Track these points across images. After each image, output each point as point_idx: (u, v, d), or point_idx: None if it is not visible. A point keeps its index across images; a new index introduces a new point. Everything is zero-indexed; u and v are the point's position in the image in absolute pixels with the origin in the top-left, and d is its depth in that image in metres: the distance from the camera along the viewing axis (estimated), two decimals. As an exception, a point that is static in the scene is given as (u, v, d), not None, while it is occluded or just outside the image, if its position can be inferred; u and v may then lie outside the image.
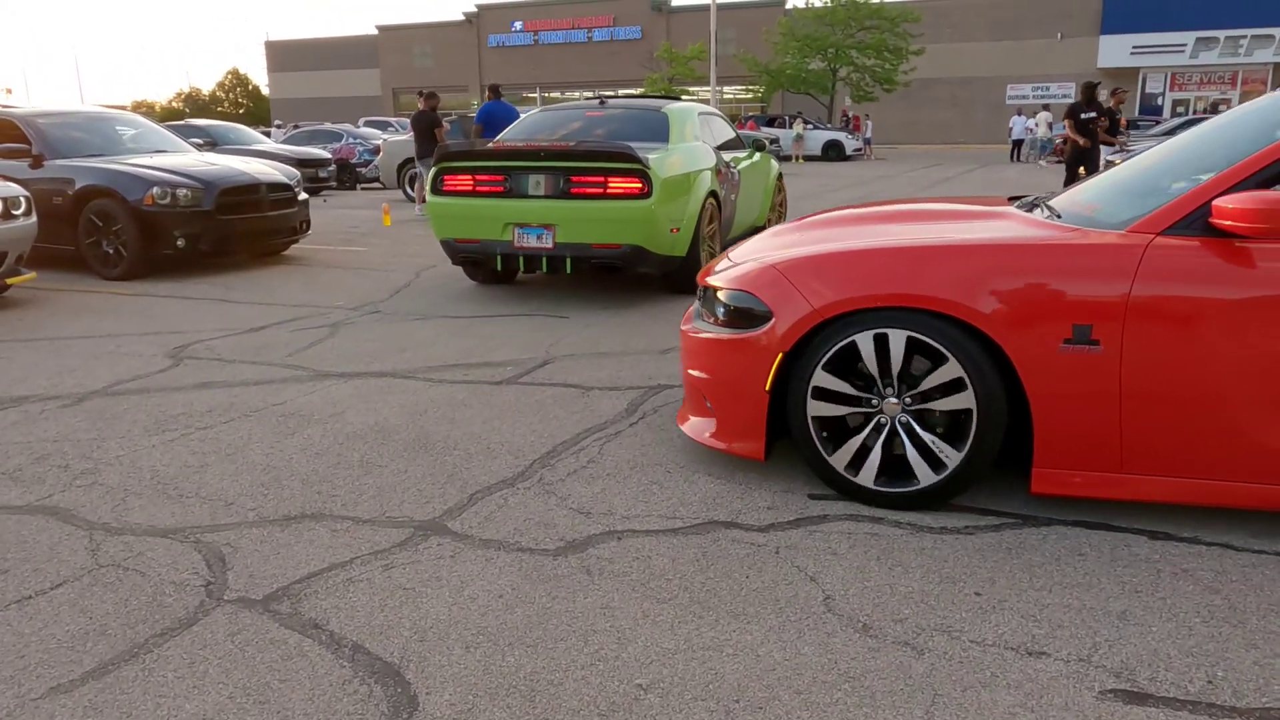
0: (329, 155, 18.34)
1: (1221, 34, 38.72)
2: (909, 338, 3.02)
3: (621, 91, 47.61)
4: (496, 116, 11.31)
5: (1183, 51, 39.55)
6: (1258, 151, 2.85)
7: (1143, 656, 2.28)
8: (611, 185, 6.20)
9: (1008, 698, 2.13)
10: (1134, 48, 40.28)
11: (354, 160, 20.13)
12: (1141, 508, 3.11)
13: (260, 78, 71.14)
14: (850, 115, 36.58)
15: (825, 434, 3.20)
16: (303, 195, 9.15)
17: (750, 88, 38.14)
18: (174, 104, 71.63)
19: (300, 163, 17.01)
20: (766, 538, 2.94)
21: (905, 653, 2.31)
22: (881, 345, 3.05)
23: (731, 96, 46.91)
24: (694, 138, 7.39)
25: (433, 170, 6.64)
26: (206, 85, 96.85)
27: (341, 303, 6.92)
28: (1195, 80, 40.40)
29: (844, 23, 35.63)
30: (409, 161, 15.21)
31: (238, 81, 71.53)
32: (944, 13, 42.99)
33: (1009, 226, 3.31)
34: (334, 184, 18.60)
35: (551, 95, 49.98)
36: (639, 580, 2.68)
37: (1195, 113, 35.64)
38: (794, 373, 3.19)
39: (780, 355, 3.18)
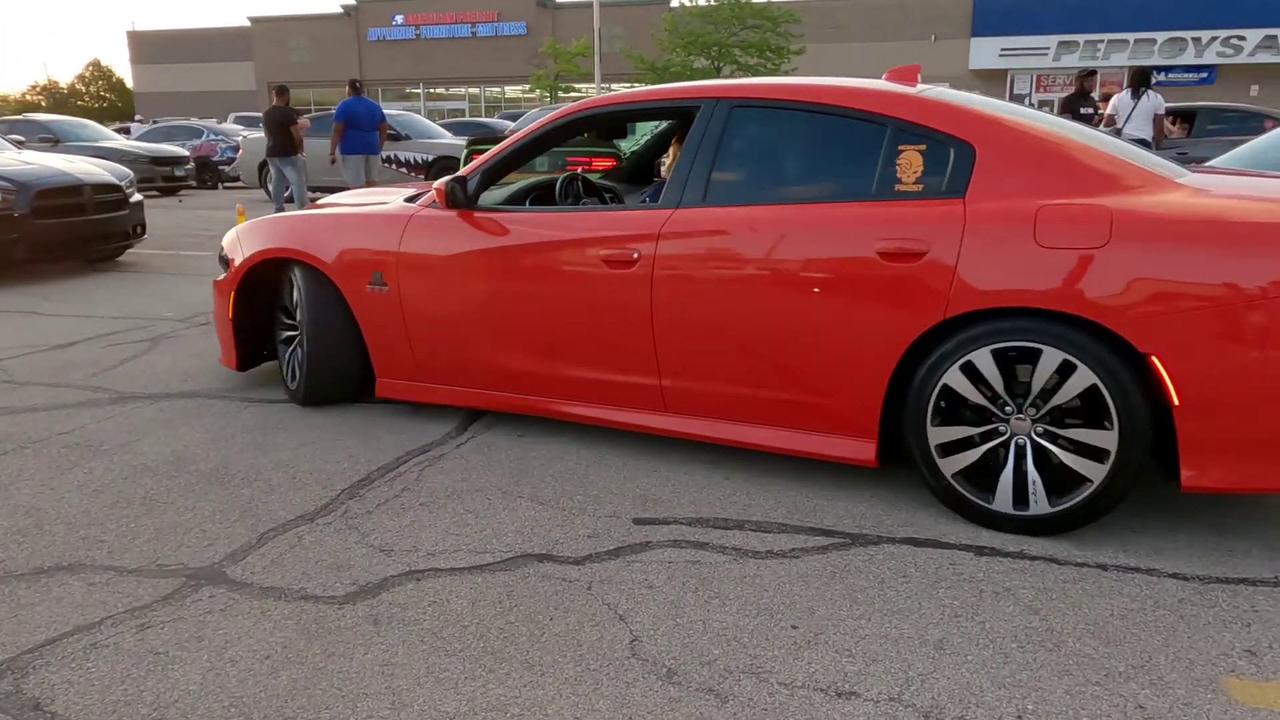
0: (187, 153, 17.33)
1: (1081, 38, 40.67)
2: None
3: (510, 89, 46.91)
4: (356, 114, 10.79)
5: (1046, 54, 41.38)
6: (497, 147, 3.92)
7: (954, 692, 2.15)
8: (595, 165, 7.25)
9: (809, 750, 1.96)
10: (1002, 50, 41.93)
11: (215, 158, 19.10)
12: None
13: (125, 70, 67.36)
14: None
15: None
16: (136, 196, 8.50)
17: (635, 86, 38.05)
18: (30, 97, 67.10)
19: (155, 161, 16.07)
20: (580, 571, 2.72)
21: (708, 702, 2.12)
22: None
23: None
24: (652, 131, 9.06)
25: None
26: (65, 77, 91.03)
27: (170, 314, 6.40)
28: (1059, 82, 42.35)
29: (728, 22, 35.94)
30: (271, 159, 14.46)
31: (99, 74, 67.49)
32: (826, 14, 43.87)
33: (380, 202, 4.27)
34: (192, 183, 17.60)
35: (436, 92, 48.90)
36: (431, 629, 2.42)
37: (1057, 113, 37.35)
38: None
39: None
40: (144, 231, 8.72)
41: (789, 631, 2.41)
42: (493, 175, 3.86)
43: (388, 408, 4.25)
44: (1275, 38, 38.15)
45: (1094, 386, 2.74)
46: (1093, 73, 10.47)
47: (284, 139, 11.14)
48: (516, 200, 4.21)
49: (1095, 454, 2.80)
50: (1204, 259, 2.63)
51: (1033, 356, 2.81)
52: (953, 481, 3.01)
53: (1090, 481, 2.81)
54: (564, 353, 3.61)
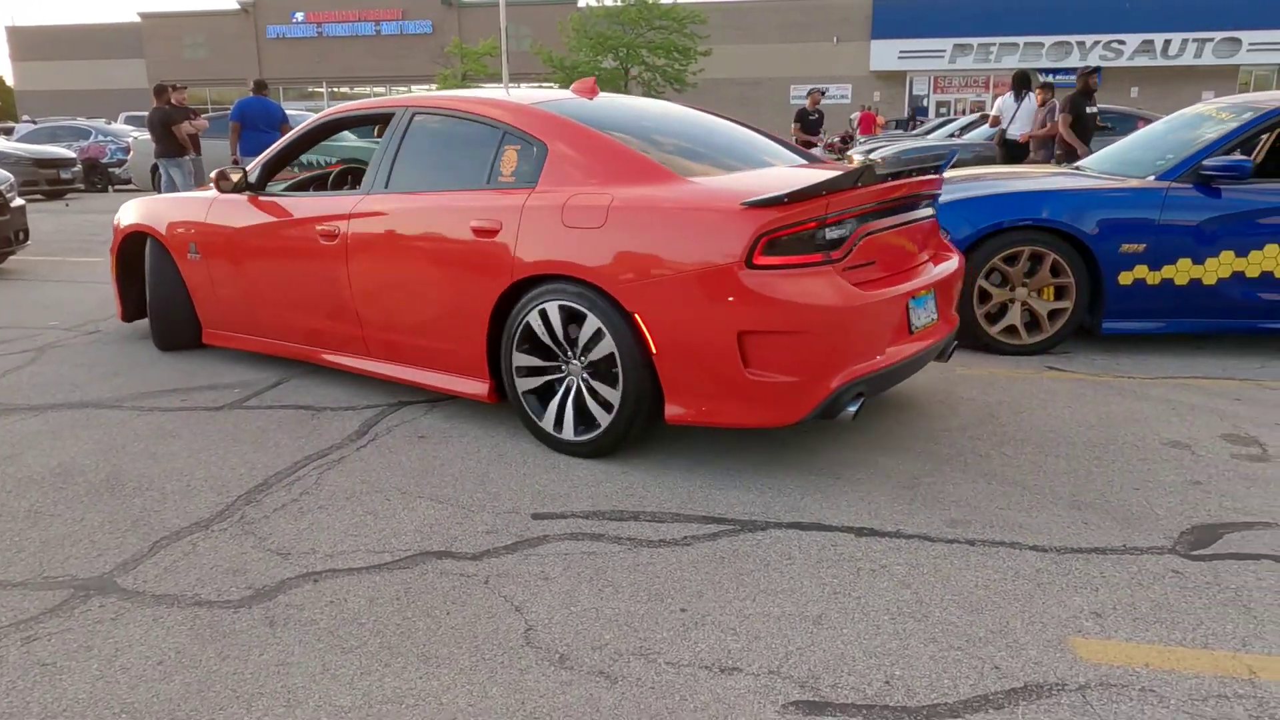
0: (73, 155, 16.61)
1: (975, 41, 42.23)
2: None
3: (417, 88, 46.16)
4: (252, 114, 10.52)
5: (943, 57, 42.83)
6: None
7: (829, 662, 2.30)
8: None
9: (692, 722, 2.07)
10: (901, 52, 43.23)
11: (104, 159, 18.35)
12: (851, 507, 3.20)
13: (4, 67, 63.85)
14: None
15: None
16: (18, 201, 8.15)
17: (545, 86, 37.98)
18: (-101, 95, 63.01)
19: (38, 163, 15.38)
20: (478, 566, 2.79)
21: (598, 683, 2.22)
22: None
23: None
24: None
25: None
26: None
27: (55, 322, 6.19)
28: (955, 84, 43.87)
29: (634, 22, 36.15)
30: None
31: (-23, 71, 63.85)
32: (732, 15, 44.48)
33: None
34: (80, 186, 16.88)
35: (340, 91, 47.83)
36: (328, 628, 2.46)
37: (956, 113, 38.68)
38: None
39: None
40: (27, 238, 8.38)
41: (678, 614, 2.52)
42: (272, 166, 4.82)
43: (288, 414, 4.22)
44: (1152, 42, 40.30)
45: (604, 336, 3.42)
46: (1096, 70, 10.16)
47: (169, 140, 10.78)
48: (303, 188, 5.17)
49: (607, 405, 3.53)
50: (666, 238, 3.30)
51: (580, 315, 3.48)
52: (524, 399, 3.74)
53: (599, 424, 3.54)
54: (308, 310, 4.48)
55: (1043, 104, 10.56)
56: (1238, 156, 5.04)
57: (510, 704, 2.14)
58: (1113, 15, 40.45)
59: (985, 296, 5.17)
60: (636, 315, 3.33)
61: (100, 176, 18.42)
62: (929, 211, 3.98)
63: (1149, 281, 5.02)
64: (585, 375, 3.57)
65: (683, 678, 2.24)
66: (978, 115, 15.88)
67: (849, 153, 17.04)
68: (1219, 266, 4.96)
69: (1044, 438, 3.87)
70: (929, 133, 18.04)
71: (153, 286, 5.22)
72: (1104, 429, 3.98)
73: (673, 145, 3.92)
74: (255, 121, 10.42)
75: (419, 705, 2.14)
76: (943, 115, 37.93)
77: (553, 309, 3.53)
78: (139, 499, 3.29)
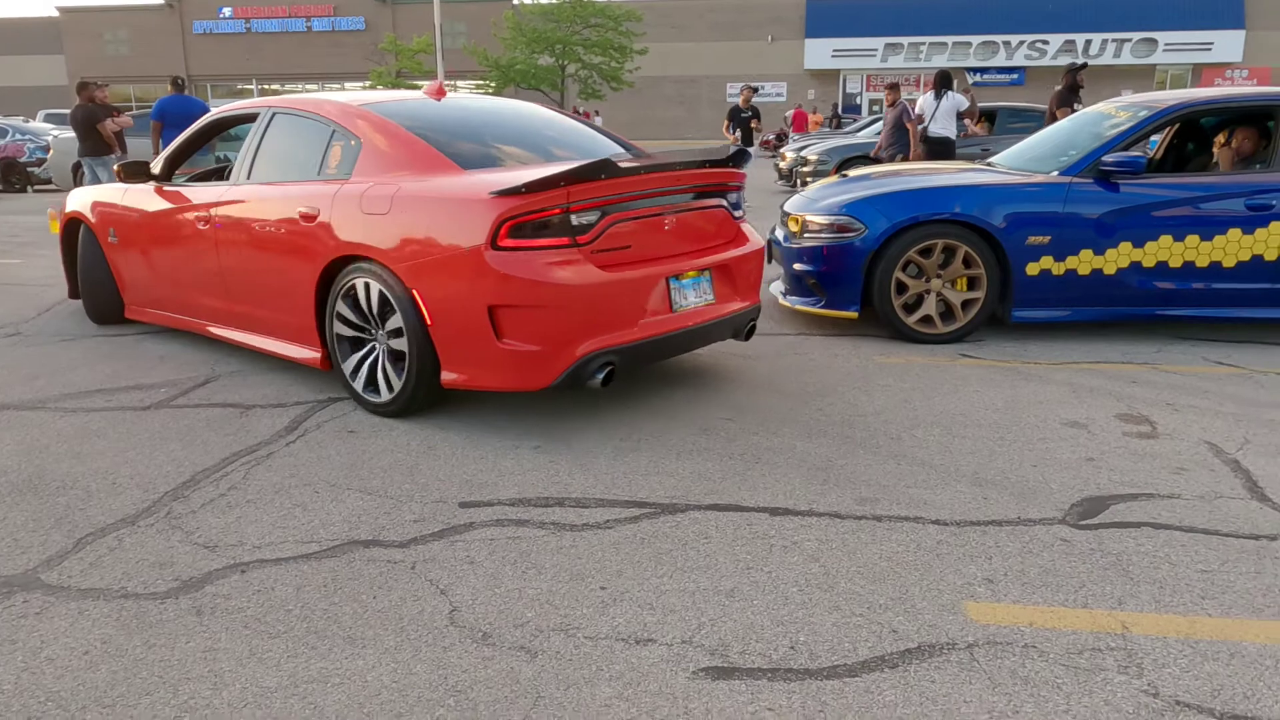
0: (-10, 154, 16.07)
1: (906, 40, 43.15)
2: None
3: (350, 85, 45.50)
4: (173, 112, 10.35)
5: (875, 55, 43.66)
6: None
7: (739, 632, 2.43)
8: None
9: (607, 690, 2.19)
10: (834, 51, 43.97)
11: (23, 159, 17.79)
12: (767, 489, 3.35)
13: (-87, 63, 61.16)
14: (580, 111, 37.21)
15: None
16: (-69, 202, 7.93)
17: (481, 83, 37.76)
18: None
19: (-49, 162, 14.83)
20: (405, 553, 2.87)
21: (519, 658, 2.32)
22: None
23: (465, 92, 46.22)
24: None
25: None
26: None
27: (-26, 325, 6.06)
28: (886, 82, 44.76)
29: (570, 20, 36.16)
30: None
31: (-117, 67, 61.03)
32: (666, 13, 44.73)
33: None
34: (-2, 186, 16.35)
35: (270, 89, 46.90)
36: (255, 615, 2.51)
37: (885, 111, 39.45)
38: None
39: None
40: (-59, 239, 8.14)
41: (598, 592, 2.63)
42: (174, 159, 5.41)
43: (216, 412, 4.23)
44: (1074, 42, 41.60)
45: (394, 310, 3.89)
46: (1082, 66, 10.31)
47: (93, 138, 10.54)
48: (207, 179, 5.66)
49: (400, 366, 3.99)
50: (434, 223, 3.74)
51: (378, 291, 3.96)
52: (342, 366, 4.21)
53: (393, 390, 4.03)
54: (194, 288, 5.03)
55: (892, 104, 10.93)
56: (1134, 153, 5.32)
57: (433, 679, 2.23)
58: (1037, 16, 41.65)
59: (902, 288, 5.38)
60: (415, 291, 3.79)
61: (19, 176, 17.85)
62: (715, 202, 4.33)
63: (1054, 272, 5.28)
64: (388, 345, 4.01)
65: (600, 650, 2.35)
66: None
67: (781, 150, 17.34)
68: (1118, 257, 5.24)
69: (953, 420, 4.07)
70: (860, 130, 18.44)
71: (83, 267, 5.88)
72: (1009, 411, 4.20)
73: (477, 142, 4.35)
74: (176, 119, 10.24)
75: (344, 684, 2.21)
76: (875, 113, 38.69)
77: (359, 285, 4.01)
78: (63, 497, 3.29)
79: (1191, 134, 6.51)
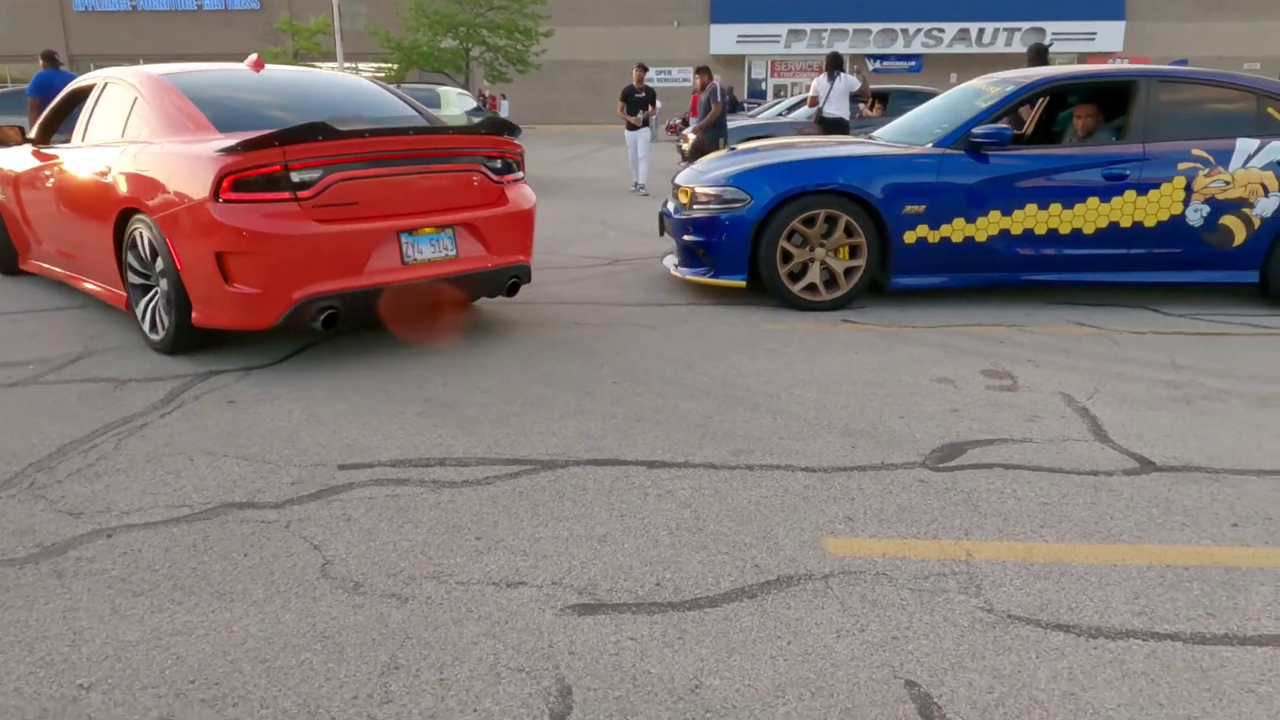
0: None
1: (809, 27, 43.86)
2: None
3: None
4: (55, 87, 9.88)
5: (778, 42, 44.27)
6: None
7: (609, 572, 2.51)
8: None
9: (475, 629, 2.24)
10: (739, 36, 44.40)
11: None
12: (647, 445, 3.44)
13: None
14: (486, 95, 36.77)
15: None
16: None
17: (383, 66, 36.91)
18: None
19: None
20: (280, 514, 2.86)
21: (390, 604, 2.35)
22: None
23: (367, 75, 45.12)
24: (454, 105, 13.83)
25: None
26: None
27: None
28: (791, 68, 45.44)
29: (474, 2, 35.61)
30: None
31: None
32: (573, -3, 44.42)
33: None
34: None
35: (160, 68, 44.90)
36: (119, 576, 2.48)
37: (791, 94, 40.11)
38: None
39: None
40: None
41: (472, 542, 2.68)
42: (48, 124, 5.87)
43: (89, 387, 4.10)
44: (968, 31, 42.94)
45: (159, 257, 4.34)
46: (1048, 45, 10.12)
47: None
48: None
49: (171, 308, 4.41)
50: (181, 178, 4.15)
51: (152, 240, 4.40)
52: (134, 307, 4.66)
53: (165, 329, 4.47)
54: (57, 240, 5.47)
55: (703, 87, 11.22)
56: (1002, 125, 5.58)
57: (301, 627, 2.25)
58: (934, 5, 42.84)
59: (787, 257, 5.53)
60: (169, 240, 4.22)
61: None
62: (469, 165, 4.68)
63: (930, 240, 5.51)
64: (164, 288, 4.39)
65: (471, 594, 2.40)
66: (797, 98, 16.52)
67: (684, 132, 17.51)
68: (989, 225, 5.50)
69: (830, 380, 4.24)
70: (762, 113, 18.72)
71: None
72: (883, 370, 4.38)
73: (253, 110, 4.72)
74: (55, 94, 9.77)
75: (209, 635, 2.21)
76: (779, 98, 39.28)
77: (138, 236, 4.45)
78: (-83, 472, 3.17)
79: (1060, 109, 6.85)
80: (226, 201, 3.99)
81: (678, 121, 31.34)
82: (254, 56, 5.39)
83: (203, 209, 4.01)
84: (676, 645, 2.18)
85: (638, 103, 13.14)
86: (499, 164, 4.83)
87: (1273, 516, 2.86)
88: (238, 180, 3.98)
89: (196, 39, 44.82)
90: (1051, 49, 9.79)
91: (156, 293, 4.49)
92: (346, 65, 29.93)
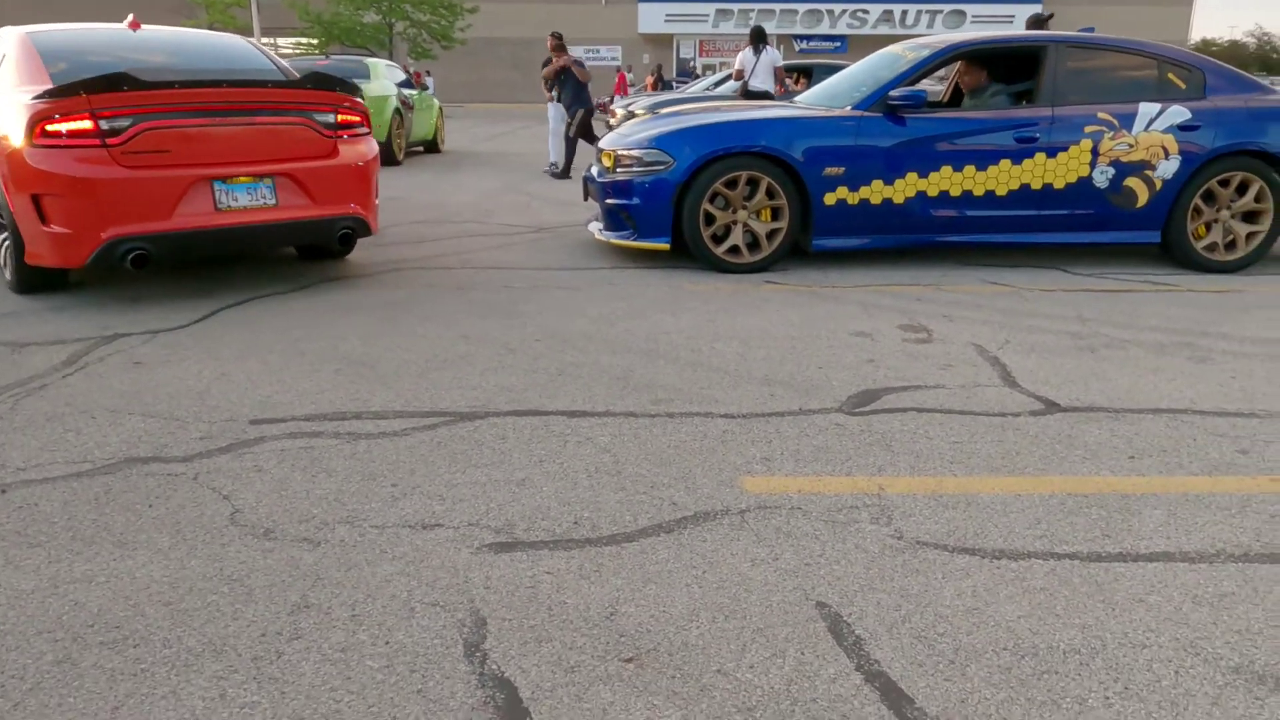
0: None
1: (735, 7, 43.98)
2: None
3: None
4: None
5: (706, 21, 44.31)
6: None
7: (526, 513, 2.51)
8: None
9: (389, 568, 2.21)
10: (667, 15, 44.29)
11: None
12: (568, 396, 3.43)
13: None
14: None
15: None
16: None
17: (302, 41, 35.88)
18: None
19: None
20: (188, 467, 2.78)
21: (301, 548, 2.30)
22: None
23: (287, 50, 43.89)
24: (383, 77, 12.96)
25: None
26: None
27: None
28: (719, 47, 45.54)
29: (397, -25, 34.80)
30: None
31: None
32: (497, -27, 43.71)
33: None
34: None
35: (65, 42, 42.85)
36: (14, 530, 2.38)
37: (718, 72, 40.22)
38: None
39: None
40: None
41: (388, 489, 2.64)
42: None
43: (-18, 349, 3.93)
44: (891, 13, 43.56)
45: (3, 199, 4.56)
46: (1049, 16, 9.70)
47: None
48: None
49: None
50: (7, 125, 4.36)
51: None
52: None
53: (8, 269, 4.77)
54: None
55: (554, 51, 11.13)
56: (919, 87, 5.68)
57: (208, 571, 2.19)
58: (858, -14, 43.33)
59: (710, 219, 5.56)
60: (4, 184, 4.44)
61: None
62: (296, 119, 4.87)
63: (849, 202, 5.59)
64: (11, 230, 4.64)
65: (385, 536, 2.37)
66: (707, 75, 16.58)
67: (612, 107, 17.45)
68: (906, 187, 5.61)
69: (751, 334, 4.28)
70: (690, 89, 18.75)
71: None
72: (804, 326, 4.44)
73: (109, 64, 4.77)
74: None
75: (110, 582, 2.14)
76: (705, 75, 39.34)
77: None
78: None
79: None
80: (38, 146, 4.25)
81: (605, 100, 31.26)
82: (131, 17, 5.53)
83: (20, 154, 4.28)
84: (593, 578, 2.18)
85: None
86: (332, 119, 5.01)
87: (1167, 449, 2.99)
88: (49, 127, 4.24)
89: (102, 12, 42.87)
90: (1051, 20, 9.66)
91: (7, 236, 4.70)
92: (264, 40, 28.99)
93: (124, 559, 2.24)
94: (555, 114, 11.70)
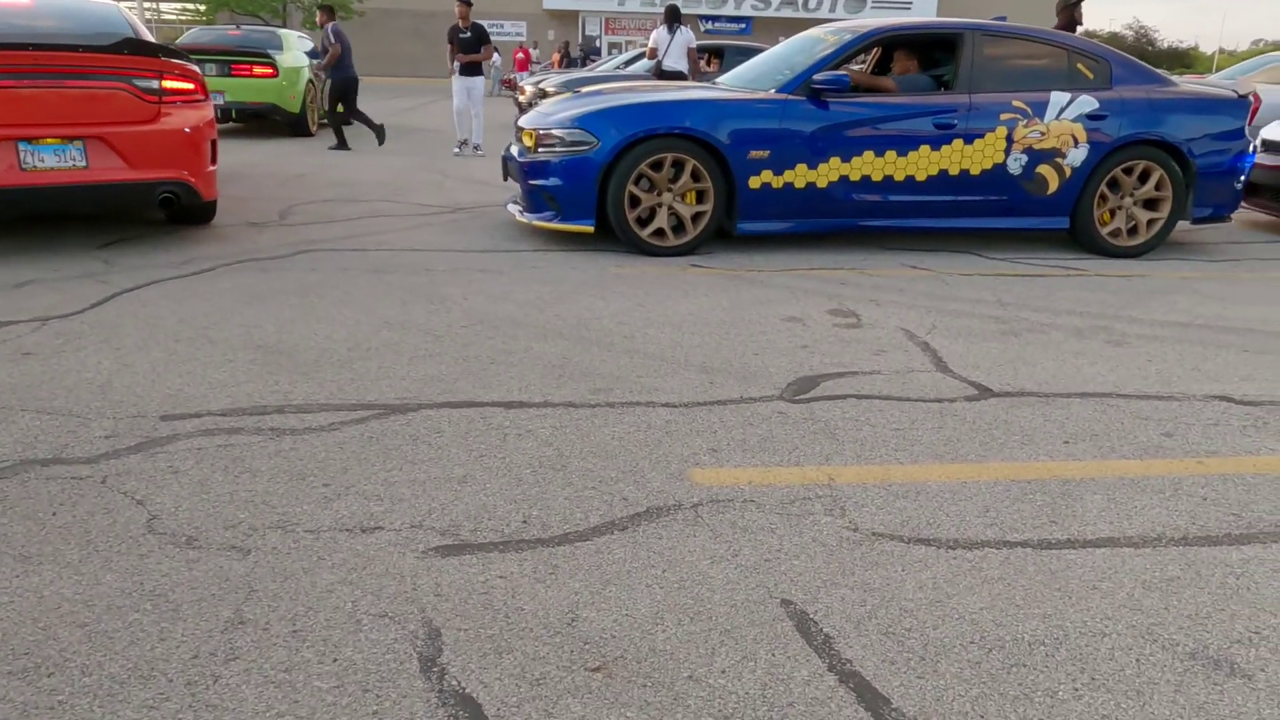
0: None
1: (641, -15, 43.72)
2: None
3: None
4: None
5: (613, -1, 43.95)
6: None
7: (471, 512, 2.39)
8: (256, 70, 11.57)
9: (329, 576, 2.07)
10: (573, -8, 43.75)
11: None
12: (503, 385, 3.30)
13: None
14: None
15: None
16: None
17: (189, 7, 34.12)
18: None
19: None
20: (94, 469, 2.55)
21: (230, 557, 2.13)
22: None
23: (173, 17, 41.66)
24: (295, 48, 12.89)
25: None
26: None
27: None
28: (625, 25, 45.25)
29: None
30: None
31: None
32: (396, -55, 42.38)
33: None
34: None
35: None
36: (-104, 544, 2.14)
37: (625, 50, 39.99)
38: None
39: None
40: None
41: (320, 490, 2.48)
42: None
43: None
44: (794, -4, 44.04)
45: None
46: (1079, 1, 9.30)
47: None
48: None
49: None
50: None
51: None
52: None
53: None
54: None
55: (321, 26, 10.95)
56: (841, 72, 5.70)
57: (127, 586, 2.00)
58: (763, -31, 43.63)
59: (635, 201, 5.47)
60: None
61: None
62: (113, 84, 4.89)
63: (774, 185, 5.58)
64: None
65: (321, 542, 2.22)
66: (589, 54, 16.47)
67: (521, 84, 17.14)
68: (829, 171, 5.62)
69: (683, 320, 4.22)
70: (599, 67, 18.53)
71: None
72: (734, 311, 4.41)
73: None
74: None
75: (13, 603, 1.94)
76: (613, 54, 39.07)
77: None
78: None
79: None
80: None
81: (513, 76, 30.72)
82: None
83: None
84: (549, 580, 2.09)
85: (465, 44, 10.90)
86: (155, 84, 5.04)
87: (1099, 433, 3.06)
88: None
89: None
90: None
91: None
92: (146, 5, 27.40)
93: (28, 575, 2.03)
94: (472, 87, 11.03)
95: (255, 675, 1.74)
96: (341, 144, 10.93)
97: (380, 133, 11.18)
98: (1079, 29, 9.80)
